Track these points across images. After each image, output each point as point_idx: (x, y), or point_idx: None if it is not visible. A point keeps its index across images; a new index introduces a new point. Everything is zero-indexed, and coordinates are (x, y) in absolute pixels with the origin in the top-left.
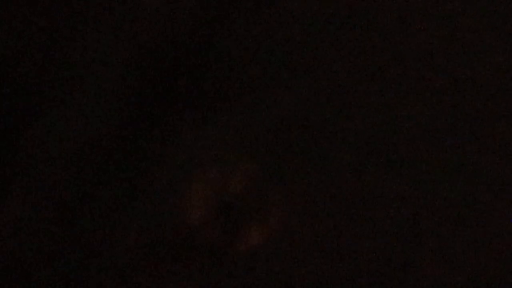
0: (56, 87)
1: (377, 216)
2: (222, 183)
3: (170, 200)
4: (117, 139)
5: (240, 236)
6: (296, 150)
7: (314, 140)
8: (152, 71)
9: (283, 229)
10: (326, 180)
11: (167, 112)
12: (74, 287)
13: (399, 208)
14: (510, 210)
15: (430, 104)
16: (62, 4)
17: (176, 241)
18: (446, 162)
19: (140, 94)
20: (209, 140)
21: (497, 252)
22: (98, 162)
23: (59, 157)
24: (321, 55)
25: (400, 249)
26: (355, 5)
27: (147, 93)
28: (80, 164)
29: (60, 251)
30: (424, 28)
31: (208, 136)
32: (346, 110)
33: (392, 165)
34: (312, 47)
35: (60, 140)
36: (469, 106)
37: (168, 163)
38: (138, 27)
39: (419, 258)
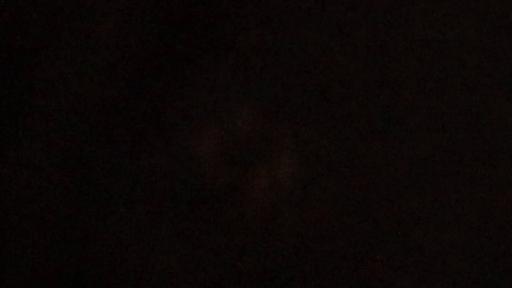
0: (65, 36)
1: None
2: (231, 125)
3: (181, 142)
4: (127, 82)
5: (248, 176)
6: (311, 99)
7: (328, 88)
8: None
9: (291, 173)
10: (336, 131)
11: (180, 55)
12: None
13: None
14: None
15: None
16: None
17: (187, 182)
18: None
19: (153, 37)
20: (220, 84)
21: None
22: (109, 103)
23: (67, 103)
24: None
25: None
26: None
27: (159, 36)
28: (90, 107)
29: (67, 197)
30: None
31: (219, 79)
32: (349, 48)
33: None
34: None
35: (69, 86)
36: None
37: (179, 105)
38: None
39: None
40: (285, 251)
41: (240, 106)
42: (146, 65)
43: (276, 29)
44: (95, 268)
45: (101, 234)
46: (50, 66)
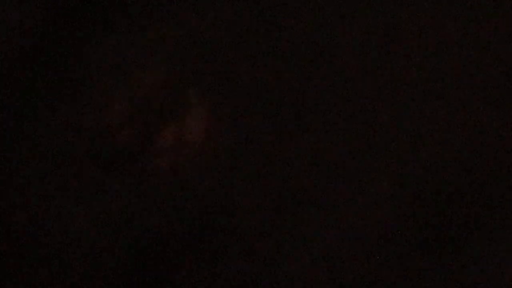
0: None
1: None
2: (140, 86)
3: (90, 102)
4: (40, 41)
5: (157, 136)
6: (217, 58)
7: (237, 50)
8: None
9: (201, 132)
10: (249, 85)
11: (93, 16)
12: None
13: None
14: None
15: None
16: None
17: (95, 143)
18: None
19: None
20: (131, 46)
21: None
22: (19, 66)
23: None
24: None
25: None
26: None
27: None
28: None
29: None
30: None
31: (130, 42)
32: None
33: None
34: None
35: None
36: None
37: (90, 64)
38: None
39: None
40: (192, 211)
41: (148, 67)
42: (55, 22)
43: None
44: (8, 227)
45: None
46: None
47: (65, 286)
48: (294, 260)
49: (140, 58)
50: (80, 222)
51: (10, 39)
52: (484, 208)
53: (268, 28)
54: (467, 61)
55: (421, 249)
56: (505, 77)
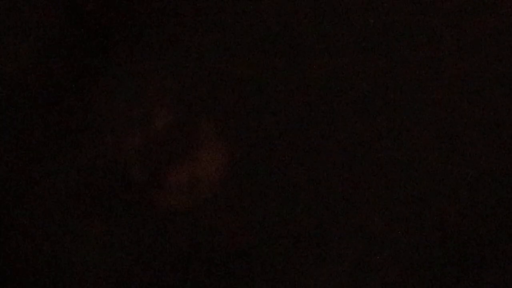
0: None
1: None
2: (152, 122)
3: (104, 140)
4: (51, 71)
5: (169, 173)
6: (230, 94)
7: (245, 82)
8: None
9: (216, 168)
10: (264, 118)
11: (104, 46)
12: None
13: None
14: None
15: None
16: None
17: (110, 180)
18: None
19: (77, 28)
20: (143, 84)
21: None
22: (28, 99)
23: None
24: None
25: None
26: None
27: (85, 27)
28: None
29: None
30: None
31: (142, 79)
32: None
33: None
34: None
35: None
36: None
37: (98, 97)
38: None
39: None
40: (204, 246)
41: (161, 104)
42: (65, 63)
43: (192, 26)
44: (23, 260)
45: (27, 228)
46: None
47: None
48: None
49: (152, 96)
50: (90, 262)
51: (23, 80)
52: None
53: (280, 60)
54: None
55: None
56: None
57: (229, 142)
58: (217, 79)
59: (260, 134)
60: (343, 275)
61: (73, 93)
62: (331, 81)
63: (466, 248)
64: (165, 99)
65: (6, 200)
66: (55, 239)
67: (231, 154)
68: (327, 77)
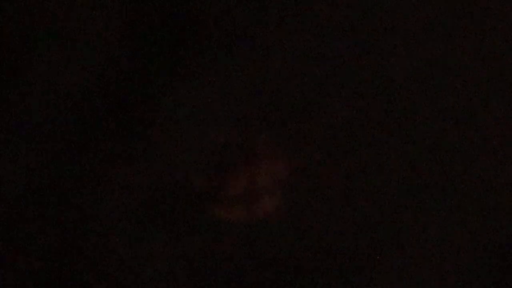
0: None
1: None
2: (207, 134)
3: (164, 151)
4: (112, 91)
5: (227, 184)
6: (286, 101)
7: (308, 92)
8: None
9: (275, 179)
10: (317, 125)
11: (162, 66)
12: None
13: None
14: None
15: None
16: None
17: (168, 190)
18: None
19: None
20: (204, 94)
21: None
22: (94, 115)
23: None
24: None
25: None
26: None
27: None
28: (73, 112)
29: (51, 201)
30: None
31: (202, 90)
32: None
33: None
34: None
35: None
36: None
37: (160, 112)
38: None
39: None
40: (264, 257)
41: (218, 120)
42: (130, 75)
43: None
44: (84, 270)
45: (87, 237)
46: (40, 65)
47: None
48: None
49: (213, 106)
50: (153, 268)
51: (91, 93)
52: None
53: (339, 69)
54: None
55: None
56: None
57: (287, 155)
58: (270, 95)
59: (319, 147)
60: None
61: (137, 108)
62: (383, 84)
63: None
64: (222, 114)
65: (74, 208)
66: (112, 246)
67: (289, 166)
68: (378, 82)
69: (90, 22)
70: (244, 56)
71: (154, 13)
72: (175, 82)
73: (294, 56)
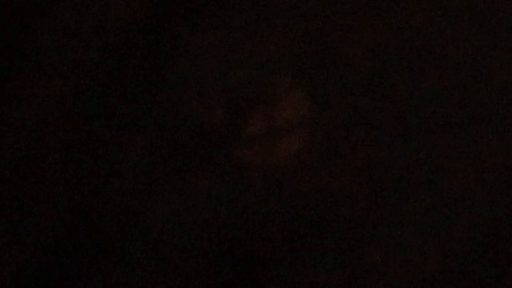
0: None
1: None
2: (234, 69)
3: (186, 88)
4: (140, 28)
5: (247, 121)
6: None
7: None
8: None
9: (296, 118)
10: (337, 68)
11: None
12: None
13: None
14: None
15: None
16: None
17: (188, 131)
18: None
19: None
20: (227, 31)
21: None
22: (109, 67)
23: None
24: None
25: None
26: None
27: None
28: (89, 66)
29: (71, 154)
30: None
31: (226, 27)
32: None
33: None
34: None
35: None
36: None
37: (186, 50)
38: None
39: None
40: (278, 209)
41: (238, 60)
42: (147, 27)
43: None
44: (100, 223)
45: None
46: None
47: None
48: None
49: (237, 43)
50: (169, 216)
51: (117, 35)
52: None
53: (367, 13)
54: None
55: None
56: None
57: (308, 95)
58: (291, 34)
59: (339, 88)
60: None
61: (155, 55)
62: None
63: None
64: (241, 55)
65: (102, 159)
66: (129, 194)
67: (309, 107)
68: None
69: None
70: None
71: None
72: (201, 21)
73: None
